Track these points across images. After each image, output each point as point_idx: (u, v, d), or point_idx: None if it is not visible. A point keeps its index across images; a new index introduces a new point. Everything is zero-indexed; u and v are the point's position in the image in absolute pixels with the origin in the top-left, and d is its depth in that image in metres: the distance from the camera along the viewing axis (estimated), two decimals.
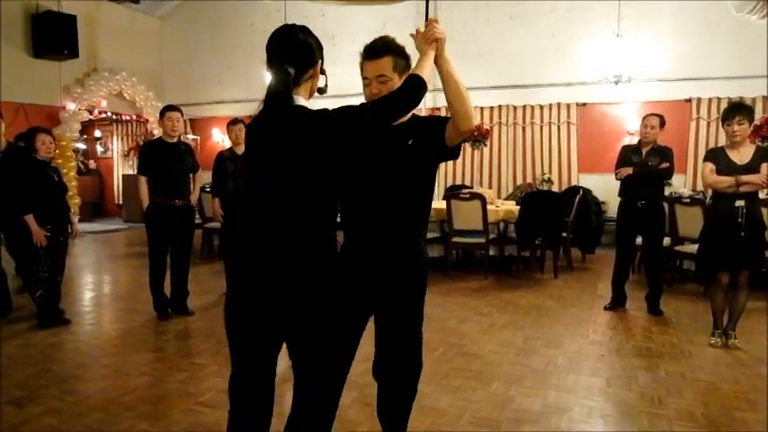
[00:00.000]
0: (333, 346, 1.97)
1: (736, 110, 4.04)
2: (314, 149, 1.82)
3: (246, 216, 1.97)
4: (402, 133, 2.18)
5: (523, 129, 9.70)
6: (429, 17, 2.06)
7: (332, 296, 1.92)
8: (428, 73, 1.97)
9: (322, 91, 2.03)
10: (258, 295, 1.87)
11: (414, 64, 2.16)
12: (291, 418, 2.03)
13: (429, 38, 2.03)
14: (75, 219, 5.24)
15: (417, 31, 2.09)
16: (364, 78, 2.19)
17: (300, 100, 1.91)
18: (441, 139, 2.17)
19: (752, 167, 3.96)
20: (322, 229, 1.90)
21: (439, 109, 9.05)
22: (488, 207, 6.57)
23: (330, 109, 1.86)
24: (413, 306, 2.28)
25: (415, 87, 1.89)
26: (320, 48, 1.99)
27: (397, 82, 2.13)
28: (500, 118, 9.76)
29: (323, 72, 2.00)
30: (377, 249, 2.22)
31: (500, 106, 9.73)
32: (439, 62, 2.06)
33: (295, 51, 1.90)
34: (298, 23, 2.01)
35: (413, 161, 2.21)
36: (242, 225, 1.99)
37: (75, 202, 10.20)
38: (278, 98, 1.86)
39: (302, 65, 1.91)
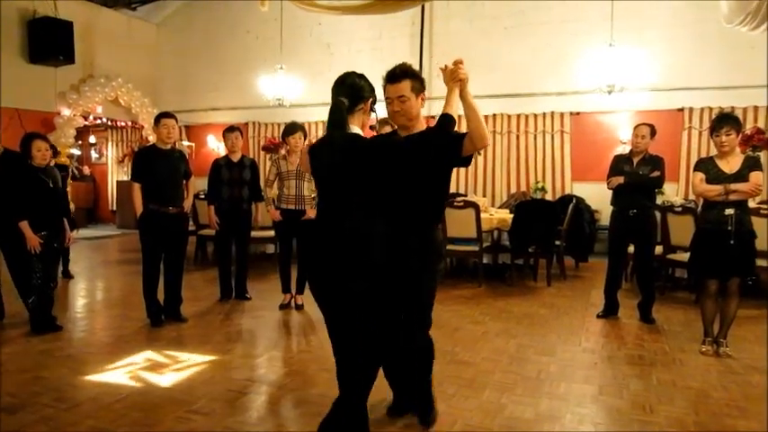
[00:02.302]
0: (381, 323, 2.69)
1: (724, 121, 4.10)
2: (365, 168, 2.43)
3: (319, 220, 2.59)
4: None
5: (517, 137, 9.76)
6: (456, 59, 2.55)
7: (382, 284, 2.53)
8: (455, 109, 2.52)
9: (372, 127, 2.37)
10: (323, 285, 2.53)
11: (427, 85, 2.80)
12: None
13: (455, 78, 2.53)
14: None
15: (446, 66, 2.56)
16: (387, 98, 2.71)
17: (355, 128, 2.53)
18: (458, 151, 2.62)
19: (741, 176, 4.02)
20: (375, 229, 2.47)
21: (433, 117, 9.06)
22: (482, 215, 6.60)
23: (379, 138, 2.53)
24: (428, 274, 2.97)
25: (448, 125, 2.51)
26: (371, 89, 2.61)
27: (414, 101, 2.70)
28: (494, 127, 9.80)
29: (373, 110, 2.61)
30: (402, 238, 2.69)
31: (494, 115, 9.78)
32: (462, 95, 2.56)
33: (348, 88, 2.54)
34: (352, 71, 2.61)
35: (432, 169, 2.69)
36: (315, 228, 2.58)
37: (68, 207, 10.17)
38: (335, 120, 2.48)
39: (353, 99, 2.53)
